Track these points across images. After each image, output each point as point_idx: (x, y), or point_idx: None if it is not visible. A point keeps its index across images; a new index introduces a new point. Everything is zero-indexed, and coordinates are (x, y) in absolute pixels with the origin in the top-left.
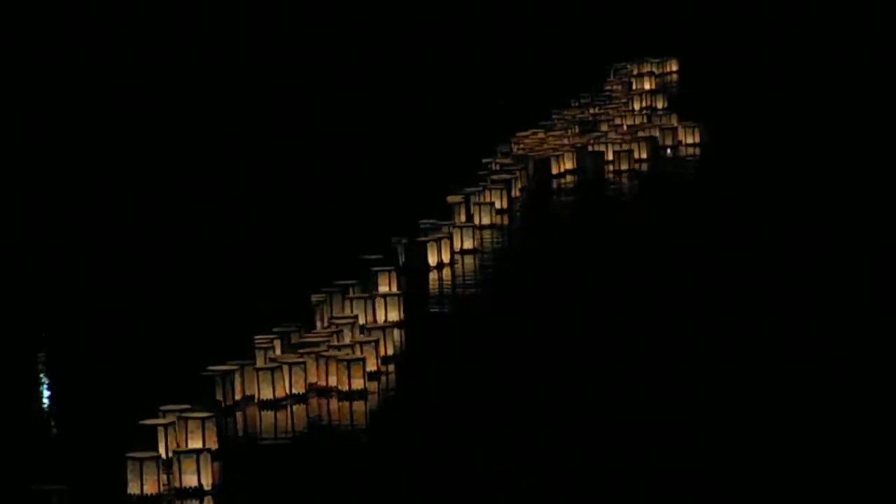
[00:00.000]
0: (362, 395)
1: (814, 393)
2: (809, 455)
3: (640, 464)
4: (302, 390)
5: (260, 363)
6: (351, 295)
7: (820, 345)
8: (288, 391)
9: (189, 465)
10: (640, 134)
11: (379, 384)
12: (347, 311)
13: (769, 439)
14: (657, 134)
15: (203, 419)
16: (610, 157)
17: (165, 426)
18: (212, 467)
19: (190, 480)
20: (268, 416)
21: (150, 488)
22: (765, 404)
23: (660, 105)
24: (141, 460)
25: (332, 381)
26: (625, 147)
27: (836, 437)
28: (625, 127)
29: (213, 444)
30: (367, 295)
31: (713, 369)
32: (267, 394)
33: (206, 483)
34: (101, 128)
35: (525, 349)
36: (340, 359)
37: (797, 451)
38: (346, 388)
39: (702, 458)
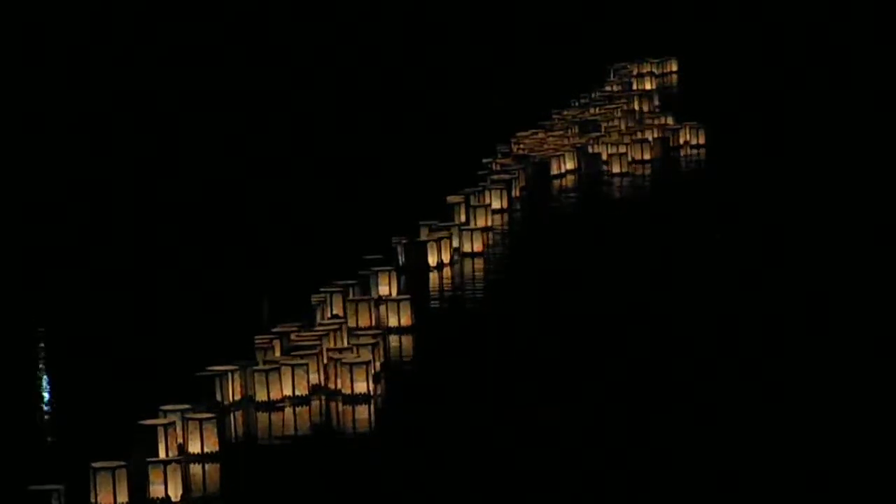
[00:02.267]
0: (366, 398)
1: (823, 393)
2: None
3: (641, 464)
4: (304, 392)
5: (262, 364)
6: (352, 297)
7: (824, 345)
8: (291, 392)
9: (157, 475)
10: (639, 135)
11: (375, 386)
12: (351, 313)
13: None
14: (658, 134)
15: (201, 420)
16: (608, 157)
17: (165, 426)
18: (180, 477)
19: (157, 491)
20: (266, 417)
21: (104, 498)
22: (764, 404)
23: (659, 106)
24: (96, 470)
25: (336, 384)
26: (622, 149)
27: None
28: (624, 127)
29: (213, 446)
30: (369, 297)
31: (713, 369)
32: (266, 395)
33: (174, 494)
34: (100, 127)
35: (525, 349)
36: (345, 361)
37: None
38: (349, 390)
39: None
